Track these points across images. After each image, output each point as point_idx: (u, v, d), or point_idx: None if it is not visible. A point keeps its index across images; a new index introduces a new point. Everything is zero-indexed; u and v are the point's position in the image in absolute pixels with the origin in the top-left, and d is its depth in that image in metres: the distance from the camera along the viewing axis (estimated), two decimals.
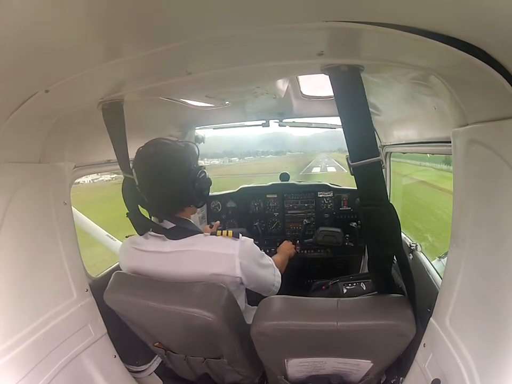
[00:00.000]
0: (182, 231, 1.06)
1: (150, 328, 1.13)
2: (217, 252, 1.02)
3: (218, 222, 1.69)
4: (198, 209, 1.83)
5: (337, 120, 2.11)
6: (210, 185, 1.13)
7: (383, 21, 0.51)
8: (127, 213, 1.13)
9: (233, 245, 1.02)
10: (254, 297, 1.13)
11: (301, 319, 0.91)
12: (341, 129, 0.80)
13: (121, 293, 1.05)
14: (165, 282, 1.02)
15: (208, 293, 0.97)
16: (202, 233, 1.08)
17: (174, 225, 1.06)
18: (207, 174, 1.10)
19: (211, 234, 1.06)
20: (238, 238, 1.04)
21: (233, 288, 1.05)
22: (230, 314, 0.96)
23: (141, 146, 1.05)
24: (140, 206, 1.12)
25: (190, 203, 1.10)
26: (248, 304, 1.29)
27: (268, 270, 1.15)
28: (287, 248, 1.72)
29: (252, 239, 1.09)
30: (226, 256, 1.01)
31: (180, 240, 1.05)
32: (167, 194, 1.03)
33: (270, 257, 1.20)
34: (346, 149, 0.80)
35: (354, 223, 2.11)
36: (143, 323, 1.11)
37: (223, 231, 1.06)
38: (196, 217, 2.08)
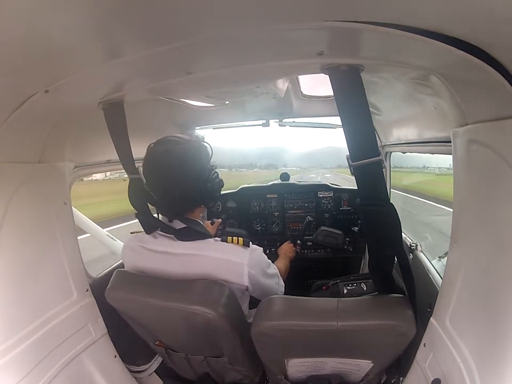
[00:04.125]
0: (192, 233, 1.05)
1: (151, 326, 1.13)
2: (228, 259, 1.02)
3: (220, 219, 1.68)
4: None
5: (337, 120, 2.11)
6: (223, 186, 1.12)
7: (383, 21, 0.51)
8: (135, 213, 1.11)
9: (243, 254, 1.03)
10: (254, 300, 1.13)
11: (301, 319, 0.91)
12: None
13: (122, 290, 1.05)
14: (166, 280, 1.02)
15: (209, 290, 0.97)
16: (212, 237, 1.07)
17: (184, 226, 1.06)
18: (219, 174, 1.10)
19: (221, 240, 1.06)
20: (249, 246, 1.05)
21: (239, 295, 1.05)
22: (230, 311, 0.96)
23: (152, 143, 1.04)
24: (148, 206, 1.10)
25: (201, 203, 1.09)
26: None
27: (273, 279, 1.15)
28: (288, 251, 1.71)
29: (261, 248, 1.10)
30: (236, 265, 1.02)
31: (190, 242, 1.04)
32: (179, 194, 1.02)
33: (275, 266, 1.20)
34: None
35: (356, 228, 2.10)
36: (144, 321, 1.11)
37: (233, 237, 1.05)
38: None
